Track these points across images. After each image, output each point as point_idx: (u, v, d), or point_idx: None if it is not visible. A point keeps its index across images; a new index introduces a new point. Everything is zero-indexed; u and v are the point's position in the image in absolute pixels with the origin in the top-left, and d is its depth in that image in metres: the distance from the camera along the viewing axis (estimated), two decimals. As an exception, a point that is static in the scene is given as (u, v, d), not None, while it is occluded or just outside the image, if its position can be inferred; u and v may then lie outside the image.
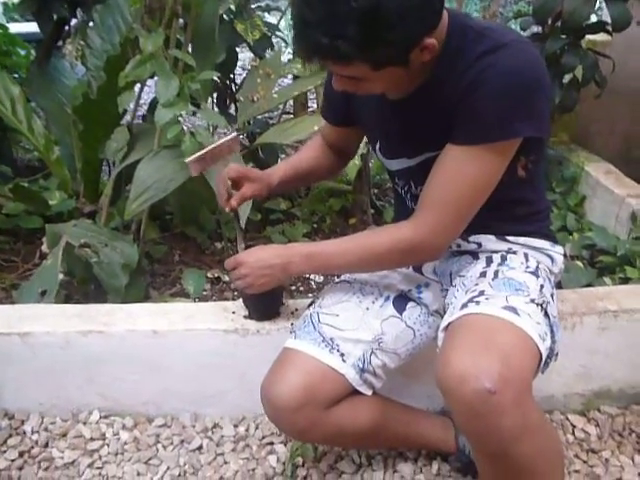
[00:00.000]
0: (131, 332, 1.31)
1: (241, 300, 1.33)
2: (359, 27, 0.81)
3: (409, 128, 1.06)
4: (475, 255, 1.15)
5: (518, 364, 0.86)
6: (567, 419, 1.41)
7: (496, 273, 1.06)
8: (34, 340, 1.30)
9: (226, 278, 1.90)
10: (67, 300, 1.66)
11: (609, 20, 1.96)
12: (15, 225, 2.04)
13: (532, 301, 0.97)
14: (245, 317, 1.32)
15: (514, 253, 1.12)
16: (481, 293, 0.98)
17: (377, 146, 1.16)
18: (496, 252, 1.12)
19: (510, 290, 0.99)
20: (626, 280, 1.70)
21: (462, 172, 0.96)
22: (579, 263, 1.86)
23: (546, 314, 0.98)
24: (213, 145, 1.11)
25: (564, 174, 2.29)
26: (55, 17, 2.21)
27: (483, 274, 1.07)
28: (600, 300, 1.38)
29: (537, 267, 1.10)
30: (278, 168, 1.27)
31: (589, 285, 1.69)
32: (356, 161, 1.77)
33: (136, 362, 1.33)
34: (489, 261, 1.11)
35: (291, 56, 2.30)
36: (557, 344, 1.00)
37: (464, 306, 0.96)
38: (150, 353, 1.32)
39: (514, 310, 0.92)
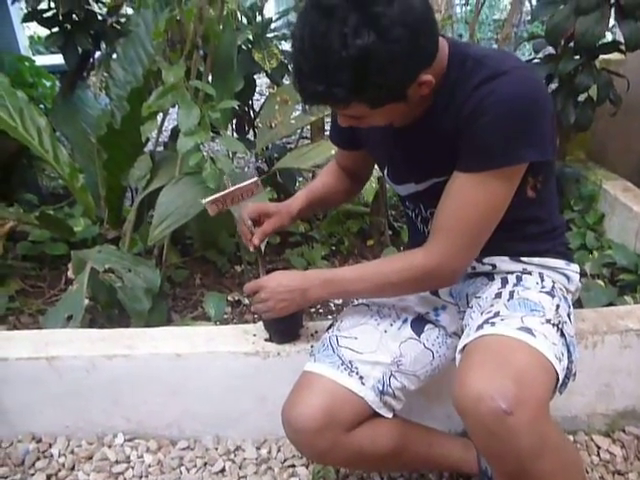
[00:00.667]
0: (154, 355, 1.33)
1: (262, 323, 1.35)
2: (352, 74, 0.83)
3: (414, 155, 1.08)
4: (490, 276, 1.16)
5: (534, 384, 0.87)
6: (591, 440, 1.39)
7: (511, 294, 1.06)
8: (61, 364, 1.33)
9: (246, 301, 1.93)
10: (91, 324, 1.70)
11: (622, 39, 1.97)
12: (41, 252, 2.10)
13: (548, 321, 0.98)
14: (266, 340, 1.33)
15: (529, 273, 1.13)
16: (496, 314, 0.99)
17: (385, 171, 1.19)
18: (511, 273, 1.13)
19: (525, 311, 0.99)
20: (648, 298, 1.69)
21: (471, 199, 0.97)
22: (600, 282, 1.85)
23: (562, 334, 0.99)
24: (233, 188, 1.15)
25: (582, 192, 2.28)
26: (80, 50, 2.30)
27: (498, 295, 1.08)
28: (621, 319, 1.37)
29: (553, 287, 1.10)
30: (297, 197, 1.30)
31: (610, 304, 1.67)
32: (373, 184, 1.80)
33: (159, 385, 1.35)
34: (504, 282, 1.11)
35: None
36: (574, 364, 1.00)
37: (479, 327, 0.97)
38: (173, 376, 1.35)
39: (529, 331, 0.93)
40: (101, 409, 1.39)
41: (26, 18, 2.29)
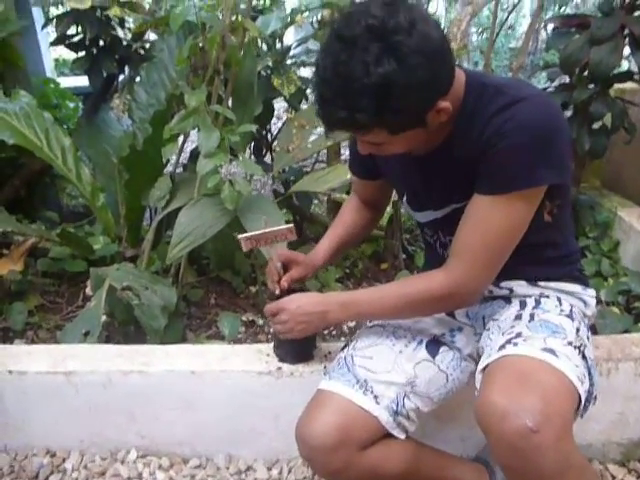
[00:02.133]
0: (169, 372, 1.35)
1: (273, 345, 1.37)
2: (373, 100, 0.87)
3: (433, 182, 1.10)
4: (507, 300, 1.17)
5: (559, 404, 0.88)
6: (607, 469, 1.38)
7: (532, 316, 1.08)
8: (78, 379, 1.35)
9: (260, 321, 1.94)
10: (108, 341, 1.72)
11: (637, 69, 2.00)
12: (60, 268, 2.14)
13: (569, 344, 0.98)
14: (279, 360, 1.35)
15: (547, 297, 1.14)
16: (518, 335, 1.00)
17: (405, 199, 1.21)
18: (529, 296, 1.14)
19: (547, 332, 1.00)
20: (663, 327, 1.67)
21: (490, 221, 0.99)
22: (615, 309, 1.84)
23: (584, 357, 0.99)
24: (268, 230, 1.19)
25: (597, 219, 2.28)
26: (105, 73, 2.37)
27: (519, 317, 1.09)
28: (636, 346, 1.36)
29: (571, 310, 1.11)
30: (321, 248, 1.32)
31: (626, 332, 1.66)
32: (387, 207, 1.81)
33: (173, 401, 1.37)
34: (523, 304, 1.13)
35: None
36: (595, 387, 1.00)
37: (502, 347, 0.98)
38: (187, 393, 1.36)
39: (552, 352, 0.94)
40: (116, 425, 1.41)
41: (55, 42, 2.37)
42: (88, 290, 1.77)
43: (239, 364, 1.35)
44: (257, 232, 1.20)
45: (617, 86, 2.16)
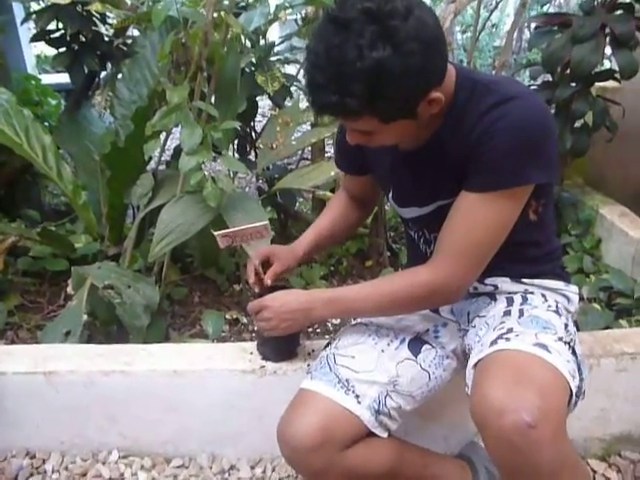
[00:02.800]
0: (152, 372, 1.34)
1: (256, 343, 1.36)
2: (365, 85, 0.86)
3: (421, 178, 1.10)
4: (492, 296, 1.17)
5: (555, 400, 0.88)
6: (588, 464, 1.39)
7: (521, 311, 1.08)
8: (58, 379, 1.34)
9: (244, 320, 1.93)
10: (89, 340, 1.70)
11: (617, 68, 2.02)
12: (41, 267, 2.11)
13: (560, 339, 0.99)
14: (262, 358, 1.34)
15: (531, 293, 1.14)
16: (510, 330, 1.00)
17: (390, 194, 1.21)
18: (514, 293, 1.15)
19: (538, 328, 1.01)
20: (643, 323, 1.69)
21: (478, 218, 0.99)
22: (596, 306, 1.86)
23: (574, 352, 1.00)
24: (244, 227, 1.18)
25: (579, 217, 2.30)
26: (86, 70, 2.34)
27: (507, 312, 1.09)
28: (617, 342, 1.38)
29: (557, 306, 1.12)
30: (304, 239, 1.31)
31: (607, 328, 1.68)
32: (372, 205, 1.81)
33: (156, 401, 1.36)
34: (510, 301, 1.13)
35: (308, 104, 2.38)
36: (584, 382, 1.01)
37: (494, 343, 0.98)
38: (170, 392, 1.35)
39: (545, 347, 0.94)
40: (97, 425, 1.39)
41: (35, 38, 2.33)
42: (69, 289, 1.74)
43: (222, 363, 1.34)
44: (233, 229, 1.19)
45: (598, 85, 2.19)
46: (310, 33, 1.96)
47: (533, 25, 2.28)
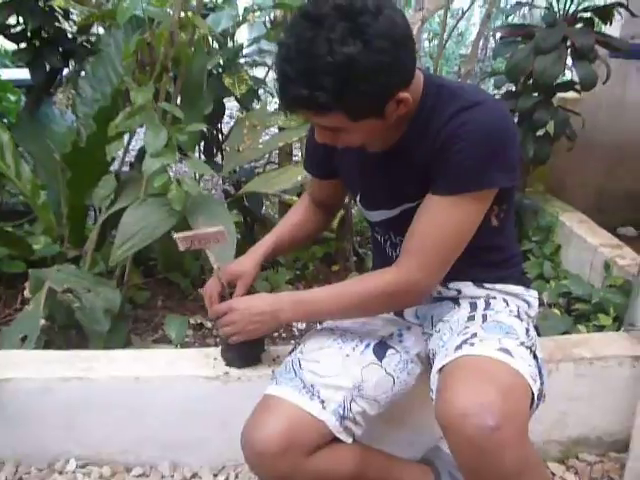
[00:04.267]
0: (112, 378, 1.30)
1: (220, 349, 1.34)
2: (335, 79, 0.86)
3: (388, 181, 1.11)
4: (456, 301, 1.19)
5: (517, 402, 0.90)
6: (546, 467, 1.41)
7: (484, 317, 1.10)
8: (13, 386, 1.29)
9: (209, 324, 1.91)
10: (48, 346, 1.64)
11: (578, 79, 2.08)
12: (-3, 269, 2.04)
13: (522, 344, 1.01)
14: (227, 364, 1.32)
15: (494, 298, 1.17)
16: (474, 335, 1.02)
17: (358, 198, 1.21)
18: (477, 298, 1.17)
19: (501, 333, 1.03)
20: (600, 328, 1.74)
21: (443, 219, 1.01)
22: (556, 311, 1.90)
23: (535, 356, 1.02)
24: (202, 231, 1.17)
25: (540, 223, 2.36)
26: (48, 67, 2.27)
27: (471, 317, 1.11)
28: (575, 347, 1.41)
29: (518, 311, 1.15)
30: (261, 247, 1.29)
31: (566, 332, 1.72)
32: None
33: (116, 409, 1.32)
34: (474, 306, 1.15)
35: (277, 107, 2.38)
36: (545, 386, 1.03)
37: (458, 348, 0.99)
38: (131, 400, 1.32)
39: (508, 352, 0.96)
40: (54, 433, 1.35)
41: (-7, 32, 2.26)
42: (26, 292, 1.68)
43: (185, 369, 1.32)
44: (191, 232, 1.18)
45: (560, 95, 2.25)
46: (280, 33, 1.96)
47: (498, 35, 2.33)
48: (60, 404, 1.31)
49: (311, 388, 1.08)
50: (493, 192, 1.02)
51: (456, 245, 1.03)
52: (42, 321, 1.52)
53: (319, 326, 1.28)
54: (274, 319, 1.13)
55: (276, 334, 1.89)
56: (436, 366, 1.01)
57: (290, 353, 1.21)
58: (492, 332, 1.03)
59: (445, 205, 1.00)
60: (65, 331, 1.66)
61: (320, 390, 1.09)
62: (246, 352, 1.31)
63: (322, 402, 1.08)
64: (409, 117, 1.02)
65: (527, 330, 1.09)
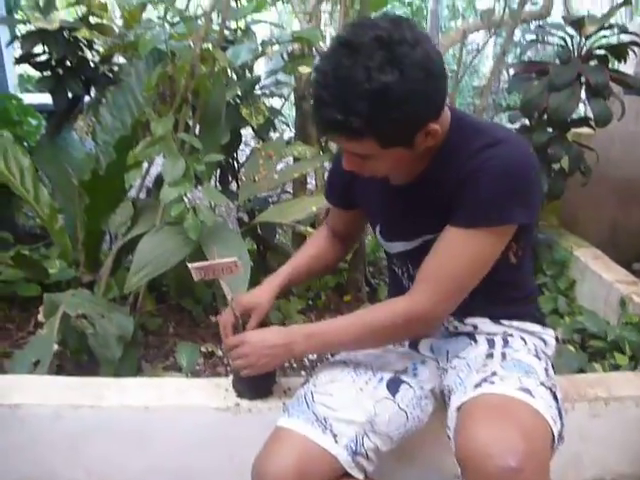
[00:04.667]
0: (122, 407, 1.30)
1: (232, 378, 1.34)
2: (370, 105, 0.88)
3: (409, 213, 1.12)
4: (472, 336, 1.18)
5: (539, 444, 0.90)
6: (562, 509, 1.38)
7: (504, 355, 1.10)
8: (24, 412, 1.29)
9: (219, 352, 1.90)
10: (59, 370, 1.65)
11: (592, 115, 2.09)
12: (12, 292, 2.05)
13: (542, 384, 1.00)
14: (238, 395, 1.31)
15: (511, 335, 1.16)
16: (493, 374, 1.01)
17: (378, 229, 1.22)
18: (494, 334, 1.16)
19: (521, 372, 1.02)
20: (616, 366, 1.71)
21: (459, 250, 1.01)
22: (571, 347, 1.88)
23: (555, 397, 1.01)
24: (216, 261, 1.19)
25: (554, 257, 2.35)
26: (70, 94, 2.33)
27: (490, 355, 1.10)
28: (591, 387, 1.39)
29: (536, 350, 1.14)
30: (277, 278, 1.30)
31: (581, 370, 1.70)
32: (352, 240, 1.82)
33: (125, 438, 1.31)
34: (491, 343, 1.14)
35: (292, 137, 2.41)
36: (564, 428, 1.02)
37: (478, 386, 0.99)
38: (140, 429, 1.31)
39: (529, 391, 0.95)
40: (62, 461, 1.34)
41: (19, 60, 2.33)
42: (40, 316, 1.70)
43: (195, 399, 1.31)
44: (205, 263, 1.20)
45: (574, 130, 2.26)
46: (298, 65, 1.99)
47: (511, 70, 2.36)
48: (70, 431, 1.30)
49: (324, 421, 1.07)
50: (512, 228, 1.02)
51: (470, 277, 1.03)
52: (55, 346, 1.53)
53: (332, 358, 1.27)
54: (287, 352, 1.13)
55: (287, 364, 1.88)
56: (454, 403, 1.01)
57: (302, 385, 1.20)
58: (512, 371, 1.02)
59: (463, 237, 1.00)
60: (77, 356, 1.67)
61: (333, 424, 1.08)
62: (257, 384, 1.30)
63: (334, 436, 1.06)
64: (434, 150, 1.04)
65: (546, 370, 1.08)
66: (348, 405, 1.11)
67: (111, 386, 1.35)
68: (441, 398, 1.20)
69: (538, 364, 1.08)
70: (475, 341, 1.17)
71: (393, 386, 1.17)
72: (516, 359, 1.07)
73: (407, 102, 0.90)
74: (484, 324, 1.16)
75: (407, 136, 0.96)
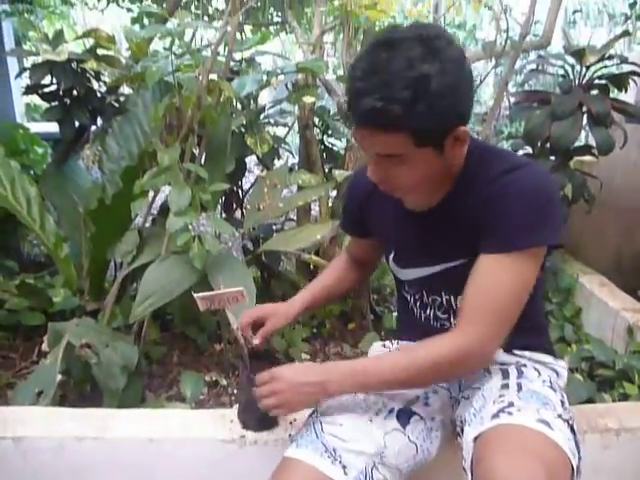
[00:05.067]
0: (126, 439, 1.29)
1: (236, 409, 1.32)
2: (411, 93, 0.89)
3: (428, 240, 1.12)
4: (485, 367, 1.17)
5: (559, 476, 0.88)
6: None
7: (519, 385, 1.08)
8: (27, 445, 1.27)
9: (224, 382, 1.89)
10: (62, 400, 1.64)
11: (595, 144, 2.10)
12: (16, 321, 2.05)
13: (559, 416, 0.99)
14: (243, 427, 1.30)
15: (524, 366, 1.15)
16: (511, 404, 1.00)
17: (392, 256, 1.21)
18: (507, 364, 1.15)
19: (539, 403, 1.01)
20: (625, 396, 1.69)
21: (499, 280, 0.99)
22: (579, 376, 1.86)
23: (572, 430, 1.00)
24: (222, 291, 1.20)
25: (559, 285, 2.34)
26: (77, 124, 2.36)
27: (505, 386, 1.09)
28: (601, 417, 1.37)
29: (551, 381, 1.12)
30: (297, 300, 1.30)
31: (589, 399, 1.67)
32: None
33: (129, 470, 1.30)
34: (505, 373, 1.13)
35: (294, 164, 2.43)
36: (582, 461, 0.99)
37: (495, 416, 0.97)
38: (144, 461, 1.29)
39: (547, 424, 0.94)
40: (65, 495, 1.32)
41: (27, 91, 2.36)
42: (44, 346, 1.69)
43: (200, 431, 1.30)
44: (211, 292, 1.21)
45: (576, 158, 2.27)
46: (302, 96, 2.02)
47: (513, 99, 2.38)
48: (73, 464, 1.28)
49: (333, 452, 1.05)
50: (543, 250, 1.02)
51: (515, 305, 1.01)
52: (59, 376, 1.52)
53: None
54: (322, 391, 1.04)
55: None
56: (471, 434, 0.99)
57: (310, 415, 1.18)
58: (529, 402, 1.01)
59: (498, 264, 0.99)
60: (80, 386, 1.65)
61: (342, 455, 1.05)
62: (263, 415, 1.28)
63: (344, 467, 1.04)
64: (454, 176, 1.04)
65: (562, 402, 1.06)
66: (358, 436, 1.09)
67: (115, 417, 1.34)
68: (452, 429, 1.18)
69: (554, 396, 1.06)
70: (489, 372, 1.16)
71: (403, 417, 1.16)
72: (532, 390, 1.06)
73: (444, 96, 0.90)
74: (497, 355, 1.15)
75: (440, 134, 0.96)
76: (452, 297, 1.16)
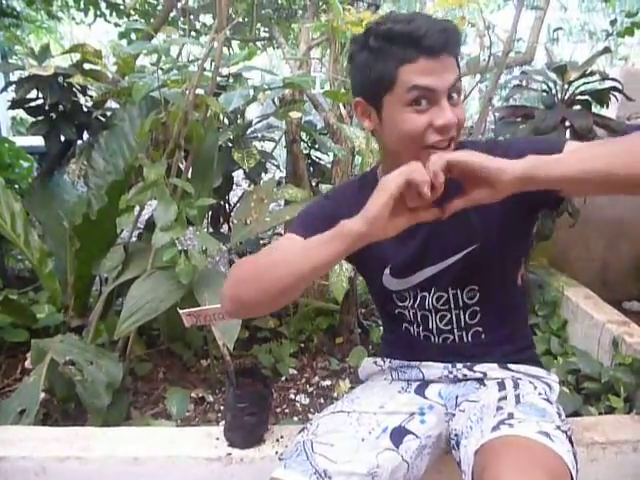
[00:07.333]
0: (110, 458, 1.27)
1: (222, 427, 1.31)
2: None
3: (440, 234, 1.09)
4: (481, 381, 1.17)
5: None
6: None
7: (517, 397, 1.08)
8: (9, 466, 1.25)
9: (210, 398, 1.87)
10: (45, 419, 1.61)
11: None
12: (-1, 337, 2.02)
13: (558, 428, 0.99)
14: (229, 444, 1.29)
15: (520, 379, 1.16)
16: (510, 416, 1.00)
17: (387, 271, 1.16)
18: (502, 378, 1.16)
19: (537, 415, 1.01)
20: (611, 409, 1.70)
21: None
22: (565, 389, 1.86)
23: (570, 441, 1.00)
24: (207, 307, 1.20)
25: (545, 298, 2.35)
26: (63, 138, 2.35)
27: (503, 398, 1.09)
28: (587, 431, 1.38)
29: (546, 394, 1.13)
30: None
31: (576, 412, 1.68)
32: (344, 283, 1.82)
33: (113, 491, 1.28)
34: (502, 385, 1.13)
35: (282, 178, 2.43)
36: (578, 473, 0.99)
37: (496, 428, 0.97)
38: (129, 481, 1.27)
39: (548, 435, 0.94)
40: (46, 517, 1.29)
41: (13, 106, 2.35)
42: (27, 363, 1.67)
43: (186, 449, 1.29)
44: (197, 309, 1.21)
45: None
46: (289, 111, 2.03)
47: (497, 114, 2.42)
48: (55, 485, 1.26)
49: (323, 474, 1.03)
50: None
51: None
52: (42, 394, 1.49)
53: (333, 408, 1.23)
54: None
55: (279, 409, 1.85)
56: (471, 446, 0.98)
57: (300, 433, 1.16)
58: (529, 414, 1.01)
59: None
60: (64, 404, 1.63)
61: (332, 476, 1.03)
62: (249, 431, 1.28)
63: (334, 489, 1.03)
64: None
65: (559, 414, 1.07)
66: (349, 457, 1.06)
67: (99, 436, 1.32)
68: (446, 443, 1.17)
69: (551, 408, 1.06)
70: (485, 385, 1.16)
71: (397, 437, 1.13)
72: (530, 402, 1.06)
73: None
74: (493, 370, 1.16)
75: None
76: (459, 291, 1.14)
